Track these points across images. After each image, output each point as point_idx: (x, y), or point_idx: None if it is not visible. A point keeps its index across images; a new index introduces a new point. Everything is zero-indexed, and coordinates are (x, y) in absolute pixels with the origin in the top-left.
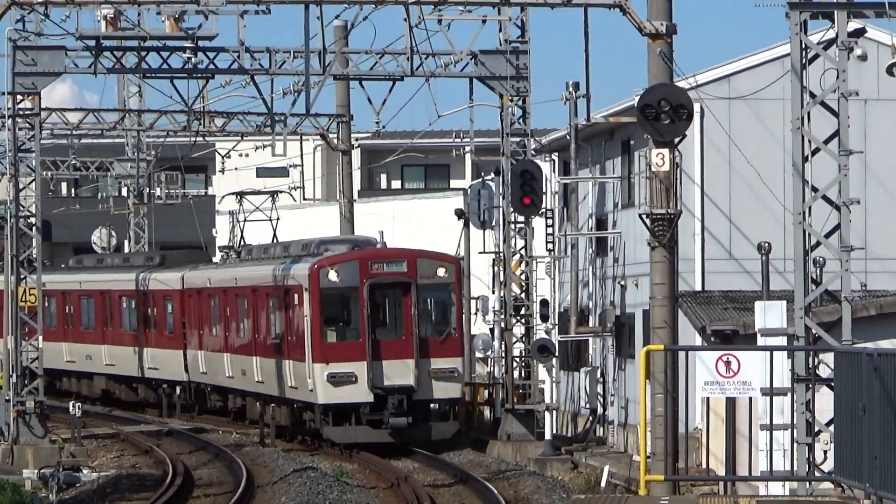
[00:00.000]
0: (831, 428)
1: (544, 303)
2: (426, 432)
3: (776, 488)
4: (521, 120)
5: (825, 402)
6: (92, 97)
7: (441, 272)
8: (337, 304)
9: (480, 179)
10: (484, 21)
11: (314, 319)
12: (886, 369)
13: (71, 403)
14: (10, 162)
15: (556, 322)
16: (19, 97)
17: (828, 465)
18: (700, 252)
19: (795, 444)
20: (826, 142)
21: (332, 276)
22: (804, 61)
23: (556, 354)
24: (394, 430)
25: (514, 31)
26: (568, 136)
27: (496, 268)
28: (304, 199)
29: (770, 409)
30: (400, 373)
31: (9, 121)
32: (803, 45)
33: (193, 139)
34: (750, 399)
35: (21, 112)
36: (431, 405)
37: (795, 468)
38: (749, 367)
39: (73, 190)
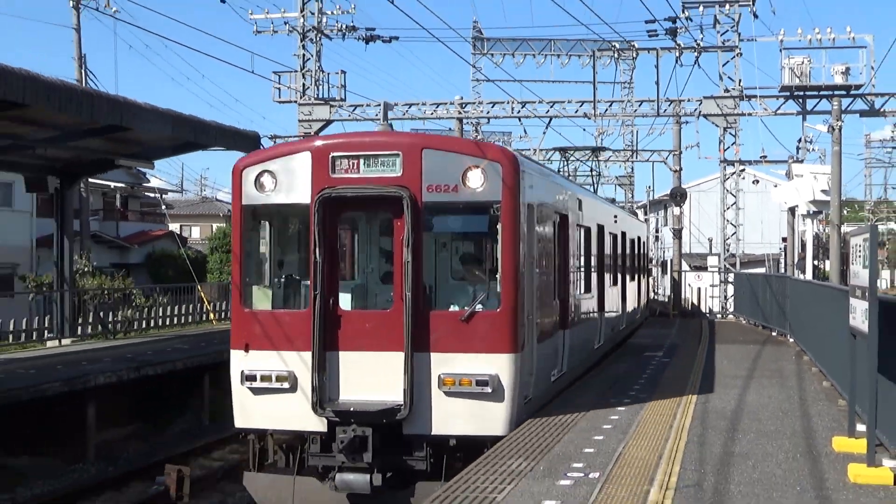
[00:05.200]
0: (733, 298)
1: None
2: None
3: (711, 316)
4: (631, 196)
5: (731, 290)
6: None
7: (474, 178)
8: (265, 236)
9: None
10: (616, 161)
11: (233, 265)
12: (752, 279)
13: None
14: None
15: None
16: None
17: (731, 310)
18: (689, 240)
19: (719, 303)
20: (730, 206)
21: (266, 181)
22: (726, 179)
23: None
24: (351, 495)
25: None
26: (647, 203)
27: None
28: None
29: (711, 292)
30: (377, 378)
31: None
32: (725, 174)
33: None
34: (707, 288)
35: None
36: (445, 444)
37: (719, 311)
38: (706, 278)
39: None
